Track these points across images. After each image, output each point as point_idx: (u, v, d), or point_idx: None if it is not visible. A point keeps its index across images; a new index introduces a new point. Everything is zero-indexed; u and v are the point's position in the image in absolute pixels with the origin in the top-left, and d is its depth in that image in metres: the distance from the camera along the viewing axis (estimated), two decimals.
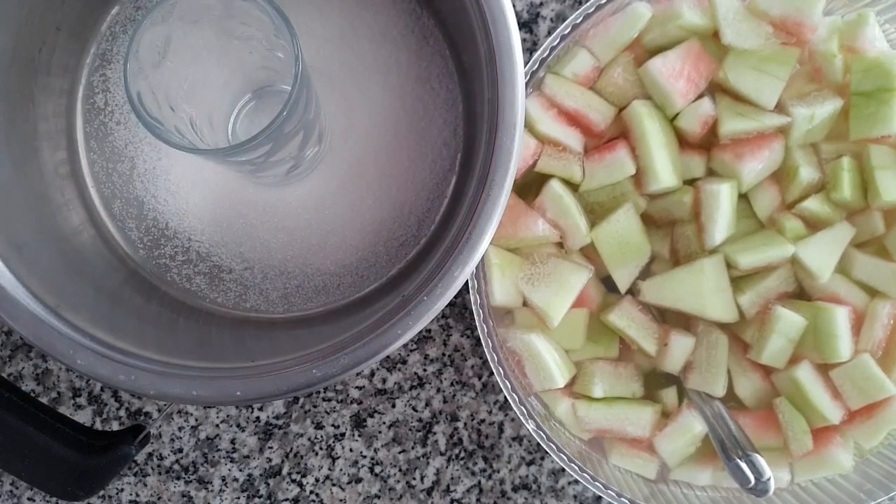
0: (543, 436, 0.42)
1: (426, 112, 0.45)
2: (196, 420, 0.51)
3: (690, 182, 0.43)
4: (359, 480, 0.51)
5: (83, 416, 0.51)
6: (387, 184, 0.46)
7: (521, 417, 0.42)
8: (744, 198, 0.43)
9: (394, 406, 0.51)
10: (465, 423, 0.51)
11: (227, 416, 0.51)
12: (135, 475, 0.51)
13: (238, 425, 0.51)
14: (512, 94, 0.35)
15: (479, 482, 0.51)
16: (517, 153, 0.35)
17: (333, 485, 0.51)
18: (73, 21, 0.43)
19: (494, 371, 0.42)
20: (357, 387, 0.51)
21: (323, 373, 0.34)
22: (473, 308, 0.42)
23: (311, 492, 0.51)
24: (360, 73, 0.45)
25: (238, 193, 0.46)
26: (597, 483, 0.42)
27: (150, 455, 0.51)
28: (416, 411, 0.51)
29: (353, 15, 0.45)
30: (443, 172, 0.45)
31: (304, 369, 0.34)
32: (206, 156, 0.33)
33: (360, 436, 0.51)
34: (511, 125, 0.35)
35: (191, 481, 0.51)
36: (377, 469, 0.51)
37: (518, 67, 0.35)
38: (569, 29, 0.41)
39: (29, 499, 0.52)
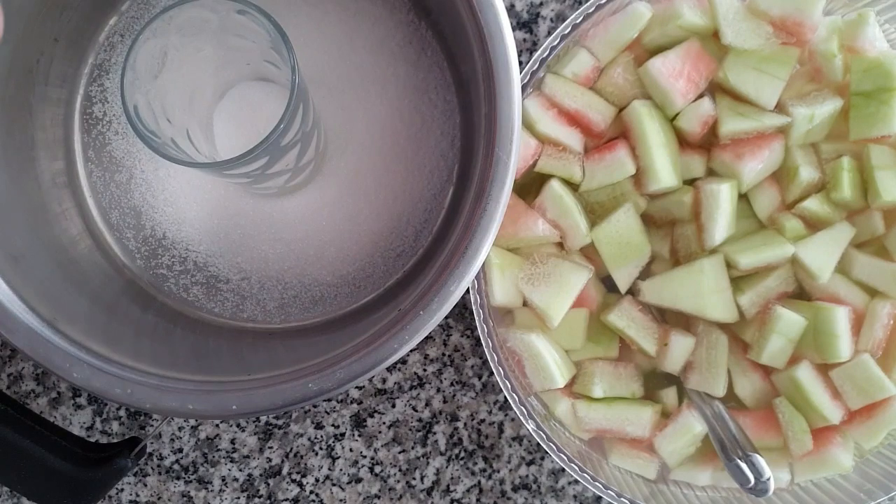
0: (543, 436, 0.42)
1: (424, 123, 0.45)
2: (196, 420, 0.51)
3: (690, 182, 0.43)
4: (359, 480, 0.51)
5: (83, 416, 0.51)
6: (384, 194, 0.45)
7: (521, 417, 0.42)
8: (744, 198, 0.43)
9: (394, 406, 0.51)
10: (465, 423, 0.51)
11: None
12: (135, 475, 0.51)
13: (238, 425, 0.51)
14: (508, 109, 0.35)
15: (479, 482, 0.51)
16: (513, 168, 0.35)
17: (333, 485, 0.51)
18: (71, 32, 0.43)
19: (494, 371, 0.42)
20: (357, 387, 0.51)
21: (319, 387, 0.34)
22: (473, 308, 0.42)
23: (311, 492, 0.51)
24: (357, 84, 0.45)
25: (236, 204, 0.46)
26: (597, 483, 0.42)
27: (150, 455, 0.51)
28: (416, 411, 0.51)
29: (351, 26, 0.45)
30: (440, 183, 0.45)
31: (300, 384, 0.34)
32: (202, 169, 0.33)
33: (360, 436, 0.51)
34: (507, 140, 0.35)
35: (191, 481, 0.51)
36: (377, 469, 0.51)
37: (515, 83, 0.35)
38: (569, 29, 0.41)
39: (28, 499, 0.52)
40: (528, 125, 0.42)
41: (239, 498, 0.52)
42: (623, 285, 0.43)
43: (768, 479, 0.38)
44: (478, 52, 0.36)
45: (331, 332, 0.44)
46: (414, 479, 0.51)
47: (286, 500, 0.52)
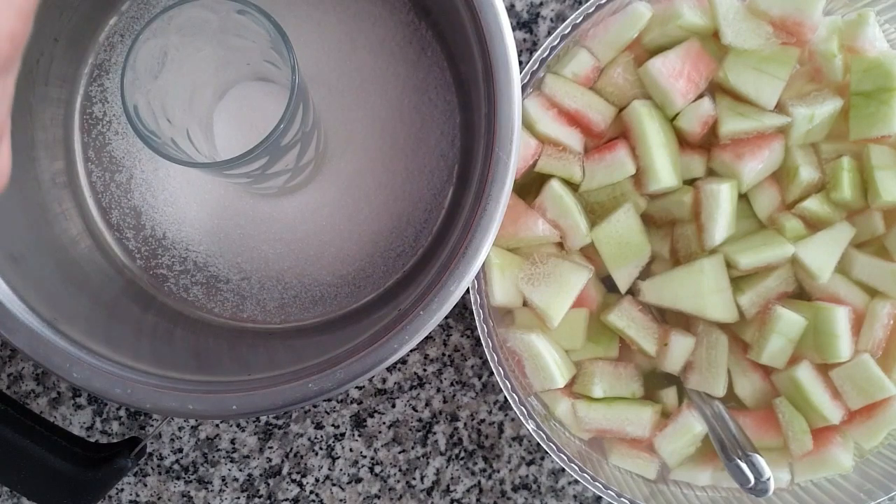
0: (543, 436, 0.42)
1: (424, 123, 0.45)
2: (196, 420, 0.51)
3: (690, 182, 0.43)
4: (359, 480, 0.51)
5: (83, 416, 0.51)
6: (384, 194, 0.45)
7: (521, 417, 0.42)
8: (744, 198, 0.43)
9: (394, 406, 0.51)
10: (465, 423, 0.51)
11: None
12: (135, 475, 0.51)
13: (238, 425, 0.51)
14: (508, 109, 0.35)
15: (479, 482, 0.51)
16: (513, 168, 0.35)
17: (333, 485, 0.51)
18: (71, 32, 0.43)
19: (494, 371, 0.42)
20: (357, 387, 0.51)
21: (319, 387, 0.34)
22: (473, 308, 0.42)
23: (311, 492, 0.51)
24: (358, 83, 0.45)
25: (236, 204, 0.46)
26: (597, 483, 0.42)
27: (150, 455, 0.51)
28: (416, 411, 0.51)
29: (352, 26, 0.45)
30: (440, 183, 0.45)
31: (300, 384, 0.34)
32: (202, 169, 0.33)
33: (360, 436, 0.51)
34: (507, 140, 0.35)
35: (191, 481, 0.51)
36: (377, 469, 0.51)
37: (515, 83, 0.35)
38: (569, 29, 0.41)
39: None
40: (528, 125, 0.42)
41: (239, 498, 0.52)
42: (623, 285, 0.43)
43: (768, 479, 0.38)
44: (478, 52, 0.36)
45: (331, 332, 0.44)
46: (414, 479, 0.51)
47: (286, 500, 0.52)
